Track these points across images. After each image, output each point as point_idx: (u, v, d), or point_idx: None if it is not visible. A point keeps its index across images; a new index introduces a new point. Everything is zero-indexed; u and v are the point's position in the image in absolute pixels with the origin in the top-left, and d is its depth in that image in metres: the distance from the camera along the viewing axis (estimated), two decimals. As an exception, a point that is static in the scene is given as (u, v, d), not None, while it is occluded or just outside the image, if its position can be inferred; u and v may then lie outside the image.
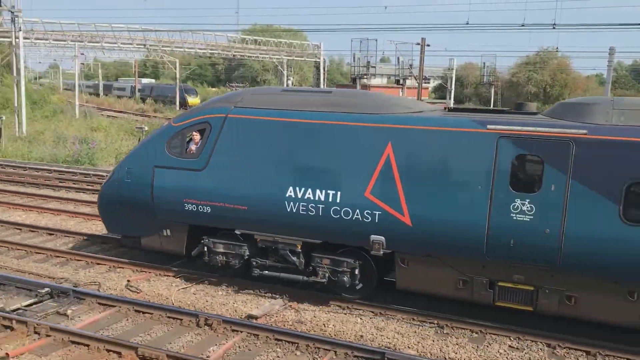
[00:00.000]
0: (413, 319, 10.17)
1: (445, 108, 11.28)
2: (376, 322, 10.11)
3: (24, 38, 38.48)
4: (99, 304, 10.45)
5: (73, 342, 8.95)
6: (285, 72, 71.80)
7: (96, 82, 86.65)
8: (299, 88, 15.01)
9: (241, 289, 11.40)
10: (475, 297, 10.07)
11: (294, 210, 10.50)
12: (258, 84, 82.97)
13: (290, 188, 10.53)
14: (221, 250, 11.42)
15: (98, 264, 12.72)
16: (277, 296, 11.06)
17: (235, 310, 10.44)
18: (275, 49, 66.73)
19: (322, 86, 66.41)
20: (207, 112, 11.63)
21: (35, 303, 10.40)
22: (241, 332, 9.43)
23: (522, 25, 30.13)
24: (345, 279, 10.59)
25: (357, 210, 10.12)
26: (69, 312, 10.04)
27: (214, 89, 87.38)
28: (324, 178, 10.40)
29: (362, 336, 9.57)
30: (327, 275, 10.75)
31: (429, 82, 73.04)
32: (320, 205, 10.33)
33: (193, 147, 11.50)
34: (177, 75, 69.45)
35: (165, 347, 8.89)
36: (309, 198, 10.41)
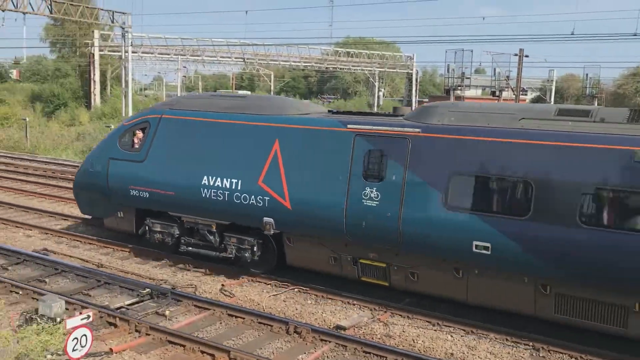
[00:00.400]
0: (507, 339, 9.78)
1: (328, 111, 12.93)
2: (467, 340, 9.81)
3: (132, 52, 41.05)
4: (195, 306, 10.86)
5: (170, 342, 9.36)
6: (376, 84, 71.86)
7: (196, 93, 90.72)
8: (223, 94, 17.28)
9: (330, 298, 11.47)
10: (344, 273, 11.68)
11: (208, 196, 12.26)
12: (349, 96, 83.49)
13: (205, 177, 12.28)
14: (158, 229, 13.43)
15: (195, 267, 13.24)
16: (366, 308, 11.03)
17: (324, 320, 10.51)
18: (368, 61, 67.01)
19: (414, 98, 65.80)
20: (148, 113, 13.96)
21: (136, 302, 10.99)
22: (329, 342, 9.47)
23: (635, 35, 28.17)
24: (247, 254, 12.32)
25: (253, 196, 11.79)
26: (167, 312, 10.52)
27: (306, 100, 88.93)
28: (229, 168, 12.11)
29: (452, 354, 9.33)
30: (233, 251, 12.48)
31: (526, 94, 70.43)
32: (226, 192, 12.04)
33: (137, 142, 13.52)
34: (272, 87, 71.41)
35: (256, 352, 9.09)
36: (218, 185, 12.14)
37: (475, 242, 9.76)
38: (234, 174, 11.99)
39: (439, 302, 11.05)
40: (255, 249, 12.24)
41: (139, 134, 13.56)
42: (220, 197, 12.09)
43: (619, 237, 8.79)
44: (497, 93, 45.49)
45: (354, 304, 11.20)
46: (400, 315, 10.74)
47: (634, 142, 8.88)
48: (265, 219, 11.69)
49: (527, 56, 40.76)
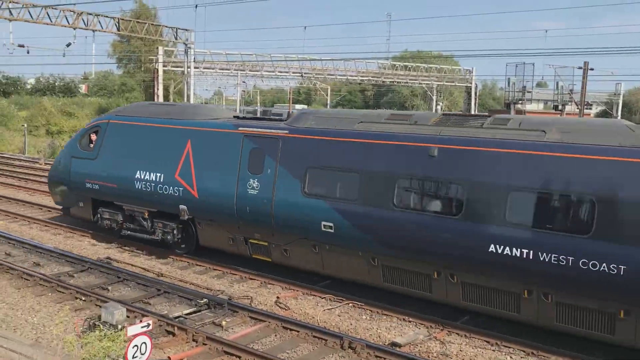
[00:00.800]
0: (570, 363, 9.38)
1: (233, 116, 14.91)
2: (528, 362, 9.47)
3: (194, 67, 42.23)
4: (251, 317, 10.96)
5: (226, 353, 9.47)
6: (434, 98, 71.15)
7: (255, 107, 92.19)
8: (160, 103, 20.38)
9: (385, 314, 11.33)
10: (239, 251, 13.78)
11: (140, 188, 14.57)
12: (406, 110, 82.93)
13: (138, 171, 14.58)
14: (107, 216, 15.73)
15: (251, 278, 13.39)
16: (422, 325, 10.83)
17: (379, 336, 10.38)
18: (425, 75, 66.44)
19: (473, 111, 64.67)
20: (101, 119, 16.80)
21: (194, 312, 11.20)
22: (384, 359, 9.34)
23: None
24: (169, 237, 14.49)
25: (171, 187, 14.03)
26: (223, 323, 10.65)
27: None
28: (155, 164, 14.35)
29: (512, 376, 9.01)
30: (160, 235, 14.61)
31: (591, 108, 68.03)
32: (153, 184, 14.34)
33: (92, 143, 16.05)
34: (328, 101, 71.78)
35: (310, 366, 9.05)
36: (147, 179, 14.42)
37: (323, 223, 11.81)
38: (158, 169, 14.31)
39: (497, 321, 10.73)
40: (175, 232, 14.46)
41: (93, 136, 16.18)
42: (148, 189, 14.46)
43: (421, 217, 10.76)
44: (560, 107, 44.12)
45: (410, 321, 11.03)
46: (457, 333, 10.49)
47: (429, 140, 10.95)
48: (181, 206, 13.96)
49: (592, 69, 39.46)
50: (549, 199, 9.66)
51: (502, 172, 10.04)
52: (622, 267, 8.80)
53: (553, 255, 9.30)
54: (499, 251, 9.80)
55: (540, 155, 9.80)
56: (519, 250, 9.61)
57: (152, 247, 15.46)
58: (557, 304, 9.67)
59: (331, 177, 11.94)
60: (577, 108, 41.79)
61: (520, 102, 41.55)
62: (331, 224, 11.69)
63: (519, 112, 43.11)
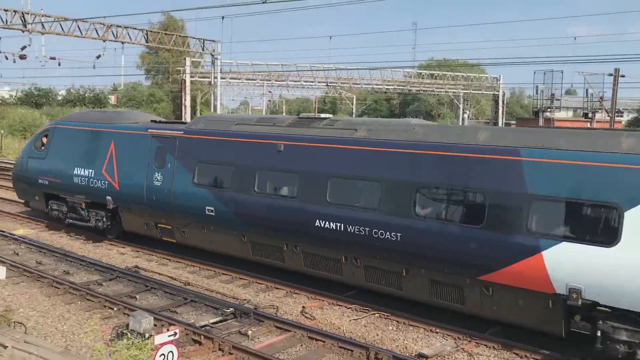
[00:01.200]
0: (602, 377, 9.16)
1: (150, 120, 17.36)
2: (559, 376, 9.26)
3: (221, 78, 42.67)
4: (276, 327, 10.95)
5: (252, 362, 9.45)
6: (461, 106, 70.65)
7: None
8: (96, 110, 24.08)
9: (412, 325, 11.22)
10: (152, 234, 16.10)
11: (77, 182, 17.18)
12: (432, 118, 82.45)
13: (76, 168, 17.22)
14: (55, 207, 18.36)
15: (276, 288, 13.39)
16: (449, 337, 10.70)
17: (406, 347, 10.27)
18: (452, 83, 66.07)
19: (500, 119, 63.97)
20: (50, 124, 19.76)
21: (220, 321, 11.22)
22: (411, 370, 9.22)
23: None
24: (100, 224, 17.07)
25: (99, 181, 16.57)
26: (249, 332, 10.65)
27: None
28: (87, 162, 16.99)
29: (542, 390, 8.82)
30: (93, 222, 17.18)
31: (622, 116, 66.70)
32: (86, 178, 16.96)
33: (43, 145, 18.59)
34: (354, 110, 71.80)
35: (336, 376, 8.98)
36: (82, 174, 17.04)
37: (207, 208, 14.07)
38: (90, 166, 16.88)
39: (526, 334, 10.53)
40: (104, 219, 16.93)
41: (44, 139, 18.76)
42: (83, 183, 17.01)
43: (272, 200, 13.10)
44: (590, 115, 43.38)
45: (436, 332, 10.90)
46: (485, 345, 10.33)
47: (279, 138, 13.29)
48: (107, 197, 16.37)
49: (623, 76, 38.72)
50: (354, 182, 12.06)
51: (324, 162, 12.42)
52: (399, 234, 11.10)
53: (356, 227, 11.64)
54: (322, 225, 12.14)
55: (350, 148, 12.21)
56: (334, 224, 11.97)
57: (180, 255, 15.62)
58: (365, 267, 11.95)
59: (213, 169, 14.30)
60: (608, 116, 41.02)
61: (548, 109, 41.01)
62: (212, 208, 14.00)
63: (547, 119, 42.52)
